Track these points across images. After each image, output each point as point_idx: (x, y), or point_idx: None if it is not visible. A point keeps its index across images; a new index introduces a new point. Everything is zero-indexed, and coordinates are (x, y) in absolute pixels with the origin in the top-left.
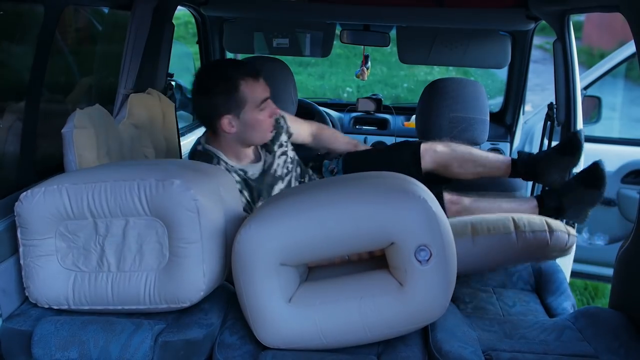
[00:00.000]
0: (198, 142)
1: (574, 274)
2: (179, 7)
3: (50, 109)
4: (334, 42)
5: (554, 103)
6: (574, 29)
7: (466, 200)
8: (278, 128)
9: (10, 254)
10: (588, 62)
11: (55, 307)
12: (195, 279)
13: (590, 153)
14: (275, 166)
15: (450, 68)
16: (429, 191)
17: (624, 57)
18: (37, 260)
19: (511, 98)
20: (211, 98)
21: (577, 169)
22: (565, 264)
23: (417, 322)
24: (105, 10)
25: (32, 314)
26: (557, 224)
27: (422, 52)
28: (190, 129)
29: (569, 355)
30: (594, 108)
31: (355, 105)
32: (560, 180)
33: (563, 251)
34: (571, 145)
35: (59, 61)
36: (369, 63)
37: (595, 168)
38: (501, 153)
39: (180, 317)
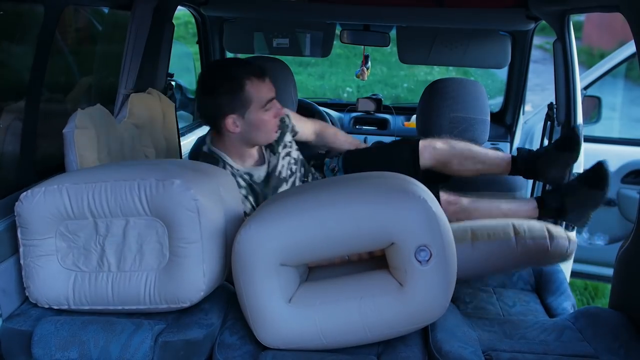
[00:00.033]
0: (202, 142)
1: (574, 274)
2: (179, 7)
3: (51, 108)
4: (334, 42)
5: (554, 103)
6: (574, 29)
7: (465, 201)
8: (283, 127)
9: (10, 254)
10: (588, 62)
11: (56, 307)
12: (195, 279)
13: (590, 153)
14: (279, 168)
15: (450, 68)
16: (429, 191)
17: (624, 57)
18: (37, 260)
19: (511, 98)
20: (216, 98)
21: (576, 167)
22: (565, 264)
23: (417, 322)
24: (105, 10)
25: (32, 314)
26: (558, 231)
27: (422, 52)
28: (190, 129)
29: (569, 355)
30: (594, 108)
31: (355, 105)
32: (560, 177)
33: (563, 258)
34: (570, 141)
35: (59, 61)
36: (369, 63)
37: (600, 168)
38: None
39: (181, 317)
